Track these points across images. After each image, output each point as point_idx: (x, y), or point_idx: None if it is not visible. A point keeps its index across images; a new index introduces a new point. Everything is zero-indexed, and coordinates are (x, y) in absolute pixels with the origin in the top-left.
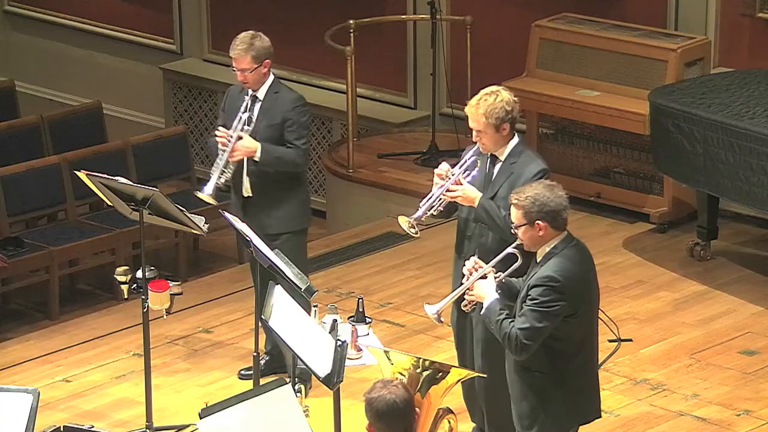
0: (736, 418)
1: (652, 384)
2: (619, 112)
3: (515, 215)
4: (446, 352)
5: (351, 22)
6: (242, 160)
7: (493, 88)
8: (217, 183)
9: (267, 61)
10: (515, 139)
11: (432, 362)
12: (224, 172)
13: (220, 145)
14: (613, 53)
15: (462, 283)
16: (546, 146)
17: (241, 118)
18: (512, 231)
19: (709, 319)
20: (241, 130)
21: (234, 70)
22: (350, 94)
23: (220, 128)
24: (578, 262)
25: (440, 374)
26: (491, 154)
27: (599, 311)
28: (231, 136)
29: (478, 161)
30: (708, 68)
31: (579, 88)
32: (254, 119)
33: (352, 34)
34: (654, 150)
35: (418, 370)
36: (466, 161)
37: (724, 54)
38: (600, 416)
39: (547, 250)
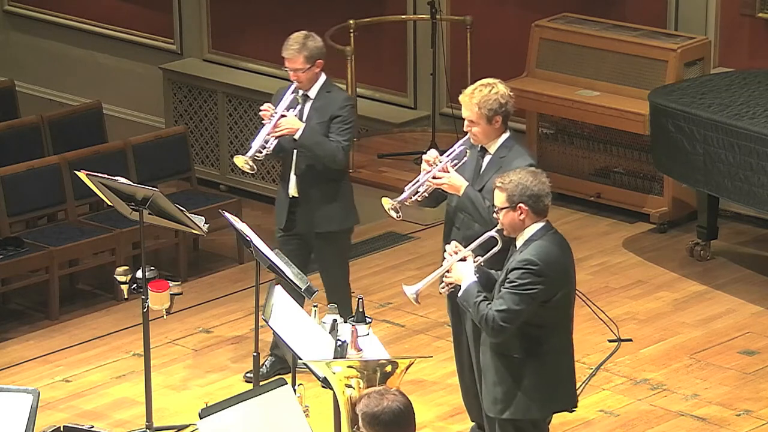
0: (736, 418)
1: (652, 384)
2: (619, 112)
3: (498, 198)
4: (446, 352)
5: (351, 22)
6: (291, 158)
7: (490, 80)
8: (255, 155)
9: (320, 61)
10: (506, 134)
11: (376, 360)
12: (264, 147)
13: (263, 120)
14: (613, 53)
15: (442, 265)
16: (546, 146)
17: (288, 98)
18: (494, 214)
19: (709, 319)
20: (287, 109)
21: (286, 70)
22: (350, 94)
23: (266, 103)
24: (558, 249)
25: (390, 366)
26: (481, 147)
27: (600, 310)
28: (275, 112)
29: (468, 151)
30: (708, 68)
31: (579, 88)
32: (305, 117)
33: (352, 34)
34: (654, 150)
35: (369, 372)
36: (454, 150)
37: (724, 54)
38: (576, 406)
39: (527, 236)
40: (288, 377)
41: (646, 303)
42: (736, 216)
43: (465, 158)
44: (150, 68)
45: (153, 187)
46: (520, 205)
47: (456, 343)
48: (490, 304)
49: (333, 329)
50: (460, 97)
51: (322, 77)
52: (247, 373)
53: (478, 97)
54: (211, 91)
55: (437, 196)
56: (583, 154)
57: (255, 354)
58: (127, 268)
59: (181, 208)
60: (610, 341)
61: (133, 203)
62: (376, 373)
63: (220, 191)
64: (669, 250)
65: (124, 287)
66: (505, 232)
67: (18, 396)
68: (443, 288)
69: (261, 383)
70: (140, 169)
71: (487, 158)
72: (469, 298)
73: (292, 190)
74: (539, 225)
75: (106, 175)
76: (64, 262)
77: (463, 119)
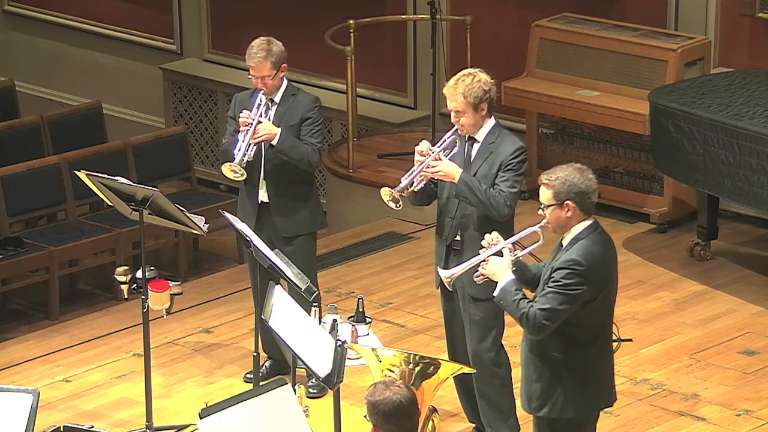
0: (736, 418)
1: (652, 384)
2: (619, 112)
3: (545, 195)
4: (446, 352)
5: (351, 22)
6: (259, 165)
7: (470, 69)
8: (241, 162)
9: (284, 65)
10: (491, 120)
11: (422, 357)
12: (246, 154)
13: (241, 127)
14: (613, 53)
15: (479, 253)
16: (546, 146)
17: (259, 105)
18: (539, 211)
19: (709, 319)
20: (261, 116)
21: (252, 78)
22: (350, 94)
23: (245, 110)
24: (603, 249)
25: (432, 368)
26: (469, 136)
27: None
28: (252, 119)
29: (457, 141)
30: (708, 68)
31: (579, 88)
32: (271, 122)
33: (352, 34)
34: (654, 150)
35: (410, 366)
36: (445, 140)
37: (724, 54)
38: (611, 404)
39: (574, 234)
40: (288, 377)
41: (646, 303)
42: (736, 216)
43: (455, 148)
44: (150, 68)
45: (153, 187)
46: (567, 202)
47: (447, 325)
48: (530, 301)
49: (333, 329)
50: (444, 90)
51: (285, 81)
52: (247, 373)
53: (462, 86)
54: (211, 91)
55: (430, 193)
56: (583, 154)
57: (255, 354)
58: (127, 268)
59: (181, 208)
60: None
61: (133, 203)
62: (413, 370)
63: (220, 191)
64: (669, 250)
65: (124, 287)
66: (551, 230)
67: (18, 396)
68: (478, 278)
69: (260, 384)
70: (140, 169)
71: (476, 146)
72: (507, 296)
73: (263, 196)
74: (586, 223)
75: (106, 175)
76: (64, 262)
77: (450, 112)
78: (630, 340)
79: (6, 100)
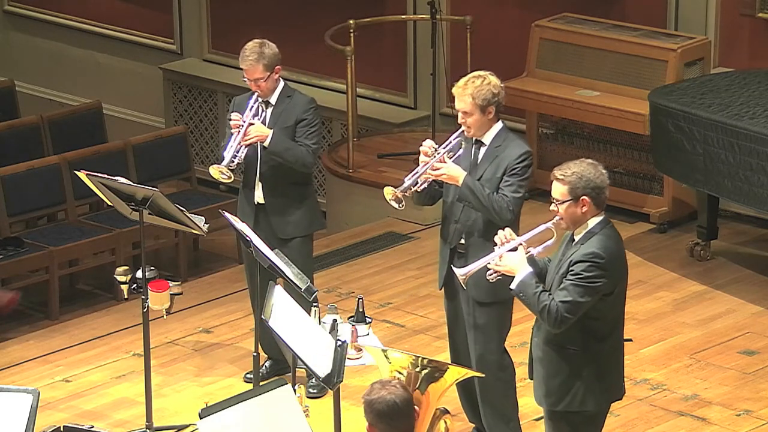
0: (736, 418)
1: (652, 384)
2: (619, 112)
3: (559, 191)
4: (446, 352)
5: (351, 22)
6: (255, 166)
7: (481, 72)
8: (229, 164)
9: (278, 67)
10: (499, 124)
11: (430, 360)
12: (236, 156)
13: (232, 129)
14: (613, 53)
15: (494, 250)
16: (546, 146)
17: (252, 107)
18: (552, 206)
19: (709, 319)
20: (253, 117)
21: (246, 81)
22: (350, 94)
23: (234, 113)
24: (616, 243)
25: (438, 372)
26: (476, 140)
27: None
28: (244, 121)
29: (463, 143)
30: (708, 68)
31: (579, 88)
32: (266, 124)
33: (352, 34)
34: (654, 150)
35: (417, 369)
36: (450, 142)
37: (724, 54)
38: (621, 397)
39: (588, 228)
40: (288, 377)
41: (646, 303)
42: (736, 216)
43: (460, 150)
44: (150, 68)
45: (153, 187)
46: (583, 197)
47: (450, 326)
48: (550, 295)
49: (333, 329)
50: (453, 90)
51: (281, 83)
52: (247, 373)
53: (471, 88)
54: (211, 91)
55: (434, 194)
56: (583, 154)
57: (255, 354)
58: (127, 268)
59: (181, 208)
60: None
61: (133, 203)
62: (420, 373)
63: (220, 191)
64: (669, 250)
65: (124, 287)
66: (564, 226)
67: (18, 396)
68: (491, 275)
69: (260, 384)
70: (140, 169)
71: (483, 150)
72: (527, 288)
73: (259, 198)
74: (599, 218)
75: (106, 175)
76: (64, 262)
77: (457, 112)
78: (630, 340)
79: (6, 100)
